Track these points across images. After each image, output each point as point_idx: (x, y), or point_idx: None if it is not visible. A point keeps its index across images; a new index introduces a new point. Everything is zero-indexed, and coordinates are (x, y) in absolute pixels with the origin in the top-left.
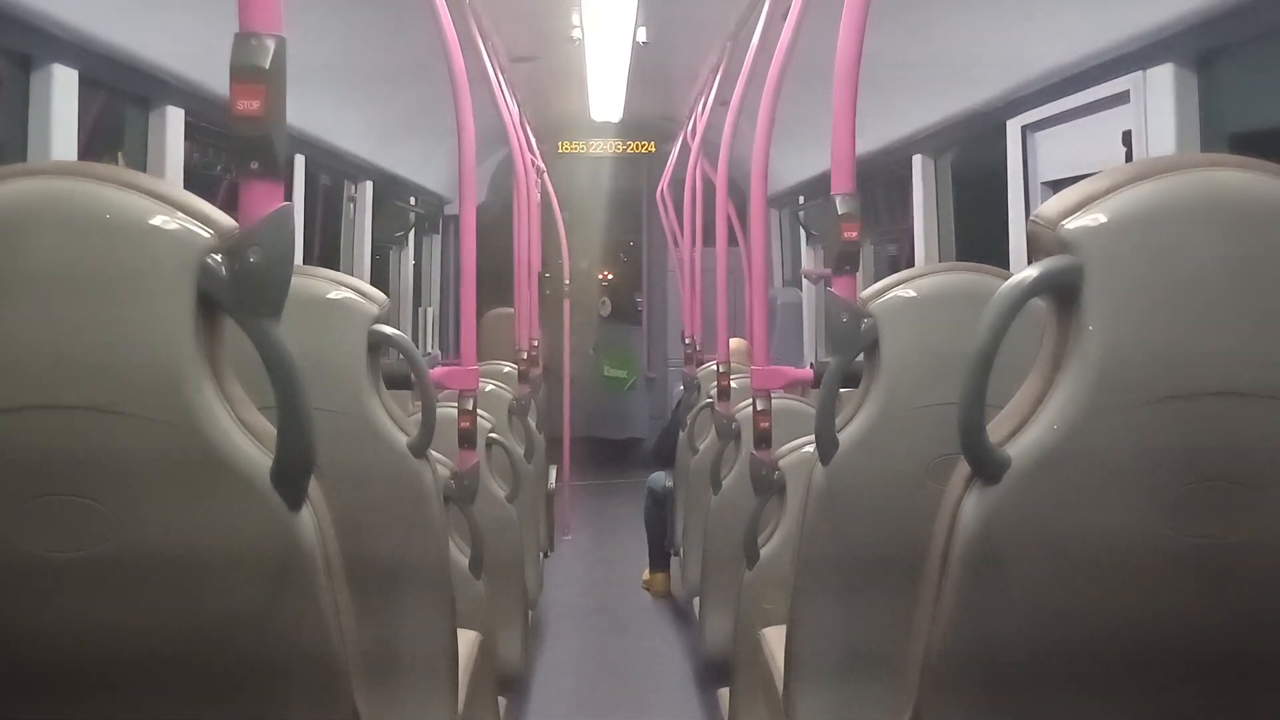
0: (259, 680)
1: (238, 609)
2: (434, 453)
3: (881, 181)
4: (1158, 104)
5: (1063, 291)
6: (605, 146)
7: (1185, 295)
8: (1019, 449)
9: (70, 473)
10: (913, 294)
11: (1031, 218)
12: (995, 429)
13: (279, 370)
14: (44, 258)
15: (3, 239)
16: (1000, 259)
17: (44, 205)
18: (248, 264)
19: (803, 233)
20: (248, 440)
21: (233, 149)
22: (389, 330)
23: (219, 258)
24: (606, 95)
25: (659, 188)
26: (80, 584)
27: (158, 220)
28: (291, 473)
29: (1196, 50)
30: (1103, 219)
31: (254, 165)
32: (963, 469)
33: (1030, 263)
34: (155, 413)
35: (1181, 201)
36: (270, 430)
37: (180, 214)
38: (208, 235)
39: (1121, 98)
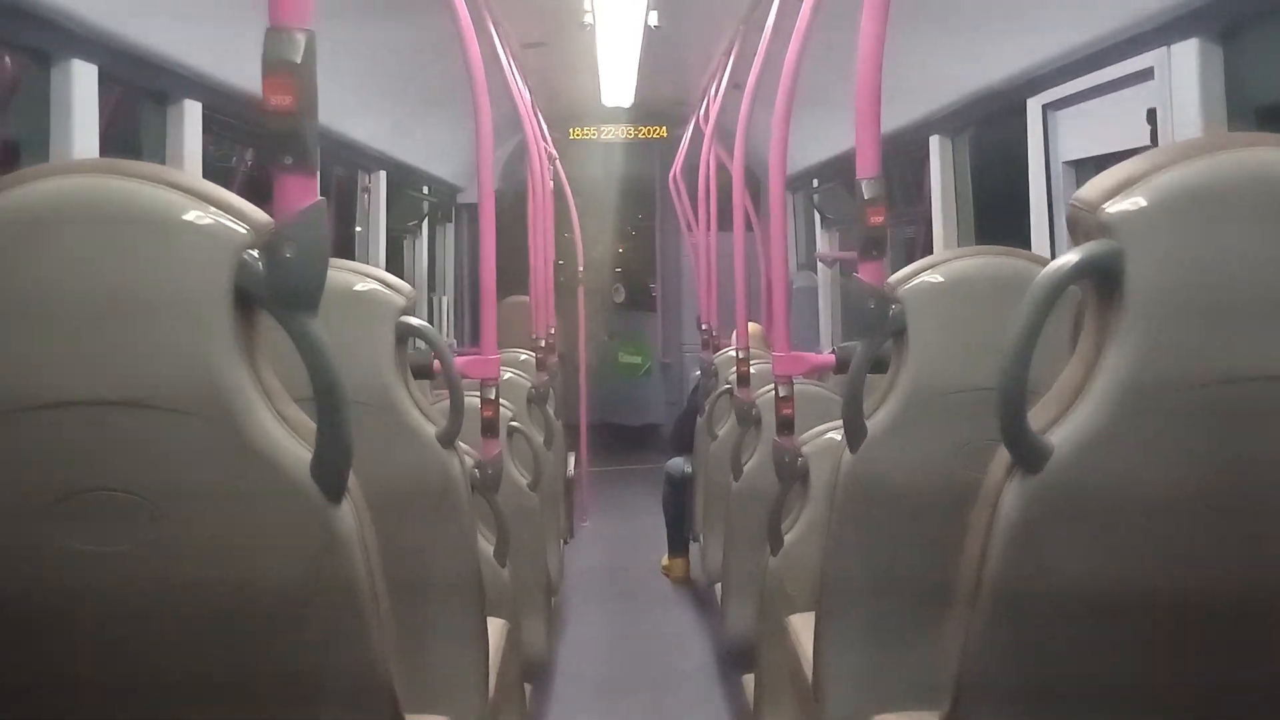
0: (299, 671)
1: (278, 600)
2: (460, 443)
3: (898, 163)
4: (1182, 80)
5: (1103, 277)
6: (617, 132)
7: (1229, 278)
8: (1061, 437)
9: (111, 468)
10: (940, 279)
11: (1071, 200)
12: (1035, 417)
13: (317, 364)
14: (81, 255)
15: (41, 237)
16: (1020, 241)
17: (81, 203)
18: (284, 259)
19: (817, 216)
20: (287, 434)
21: (265, 144)
22: (416, 321)
23: (255, 253)
24: (618, 80)
25: (672, 173)
26: (121, 578)
27: (193, 216)
28: (331, 465)
29: (1222, 24)
30: (1143, 202)
31: (287, 160)
32: (1002, 457)
33: (1060, 240)
34: (195, 407)
35: (1222, 183)
36: (309, 424)
37: (216, 210)
38: (244, 231)
39: (1145, 74)
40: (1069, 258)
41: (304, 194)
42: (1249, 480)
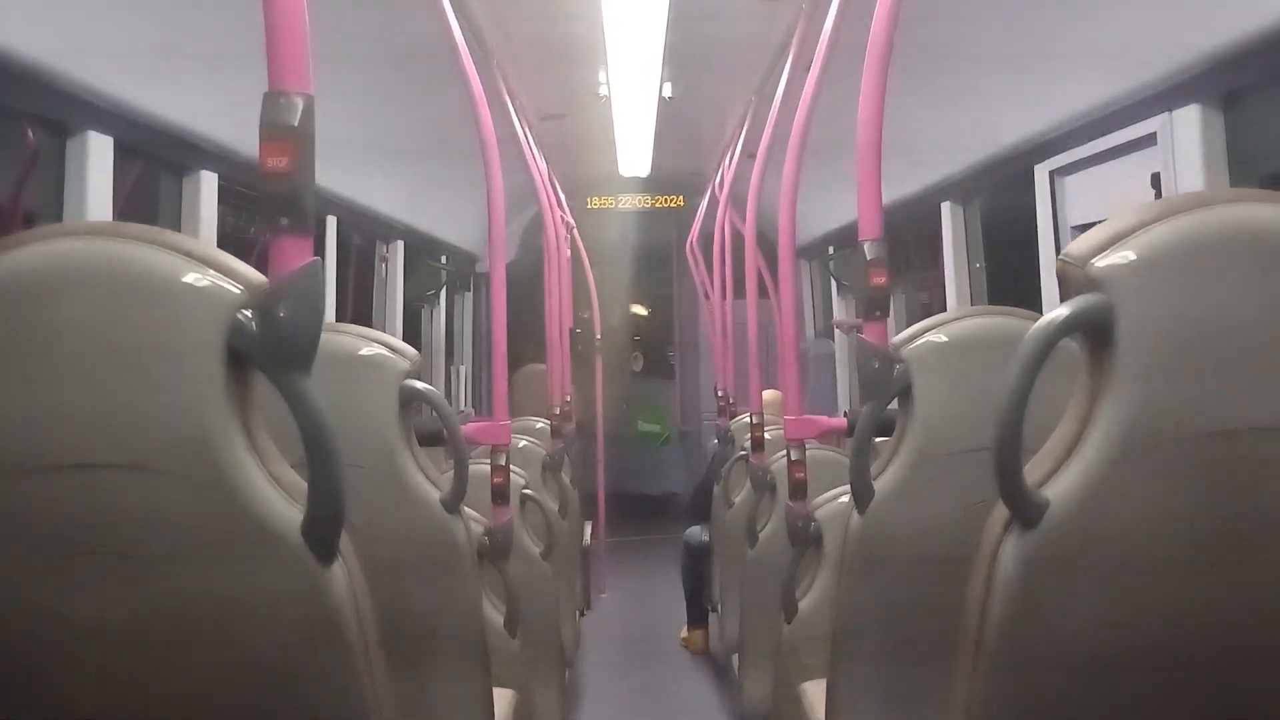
0: None
1: (269, 665)
2: (467, 509)
3: (911, 229)
4: (1185, 145)
5: (1095, 330)
6: (634, 201)
7: (1218, 331)
8: (1057, 491)
9: (104, 531)
10: (944, 339)
11: (1061, 256)
12: (1032, 471)
13: (310, 425)
14: (76, 318)
15: (36, 300)
16: (1032, 304)
17: (76, 266)
18: (277, 319)
19: (834, 283)
20: (279, 495)
21: (262, 206)
22: (420, 385)
23: (249, 313)
24: (634, 150)
25: (688, 241)
26: (112, 642)
27: (188, 278)
28: (323, 527)
29: (1223, 90)
30: (1132, 256)
31: (283, 221)
32: (1000, 512)
33: (1061, 302)
34: (187, 470)
35: (1210, 237)
36: (302, 485)
37: (211, 270)
38: (238, 291)
39: (1149, 139)
40: (1059, 312)
41: (299, 255)
42: (1245, 533)
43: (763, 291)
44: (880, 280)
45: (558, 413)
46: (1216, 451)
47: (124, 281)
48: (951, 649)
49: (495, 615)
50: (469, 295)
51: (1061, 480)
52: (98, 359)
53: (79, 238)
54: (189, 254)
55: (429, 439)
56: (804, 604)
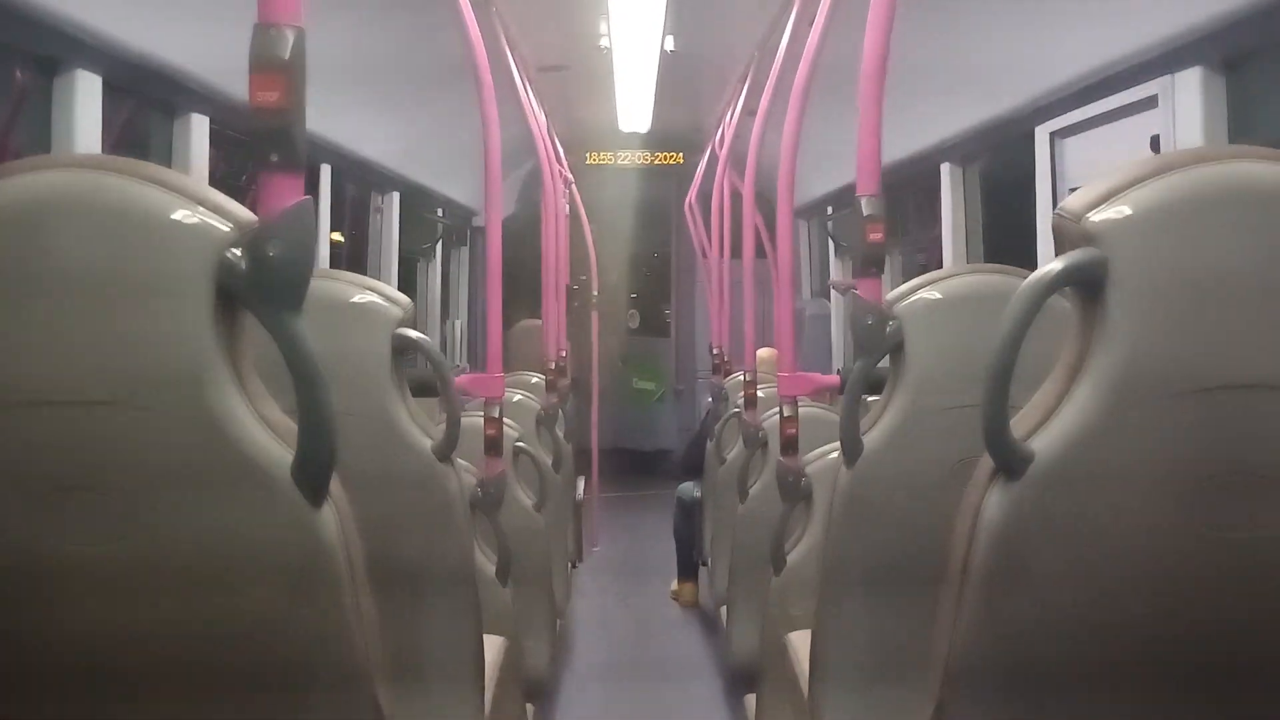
0: (280, 678)
1: (258, 605)
2: (460, 460)
3: (909, 190)
4: (1186, 108)
5: (1087, 285)
6: (633, 158)
7: (1211, 287)
8: (1042, 444)
9: (90, 467)
10: (938, 296)
11: (1056, 210)
12: (1019, 424)
13: (299, 365)
14: (63, 251)
15: (21, 232)
16: (1029, 267)
17: (64, 198)
18: (267, 258)
19: (831, 244)
20: (268, 436)
21: (252, 142)
22: (413, 334)
23: (238, 252)
24: (634, 105)
25: (687, 199)
26: (100, 579)
27: (178, 214)
28: (313, 468)
29: (1224, 53)
30: (1128, 211)
31: (274, 158)
32: (985, 465)
33: (1056, 256)
34: (174, 407)
35: (1207, 193)
36: (292, 427)
37: (200, 208)
38: (227, 229)
39: (1150, 102)
40: (1053, 266)
41: (290, 192)
42: (1232, 488)
43: (760, 251)
44: (877, 237)
45: (553, 368)
46: (1205, 407)
47: (111, 215)
48: (935, 601)
49: (487, 565)
50: (465, 250)
51: (1048, 433)
52: (84, 293)
53: (66, 170)
54: (178, 190)
55: (422, 389)
56: (792, 557)
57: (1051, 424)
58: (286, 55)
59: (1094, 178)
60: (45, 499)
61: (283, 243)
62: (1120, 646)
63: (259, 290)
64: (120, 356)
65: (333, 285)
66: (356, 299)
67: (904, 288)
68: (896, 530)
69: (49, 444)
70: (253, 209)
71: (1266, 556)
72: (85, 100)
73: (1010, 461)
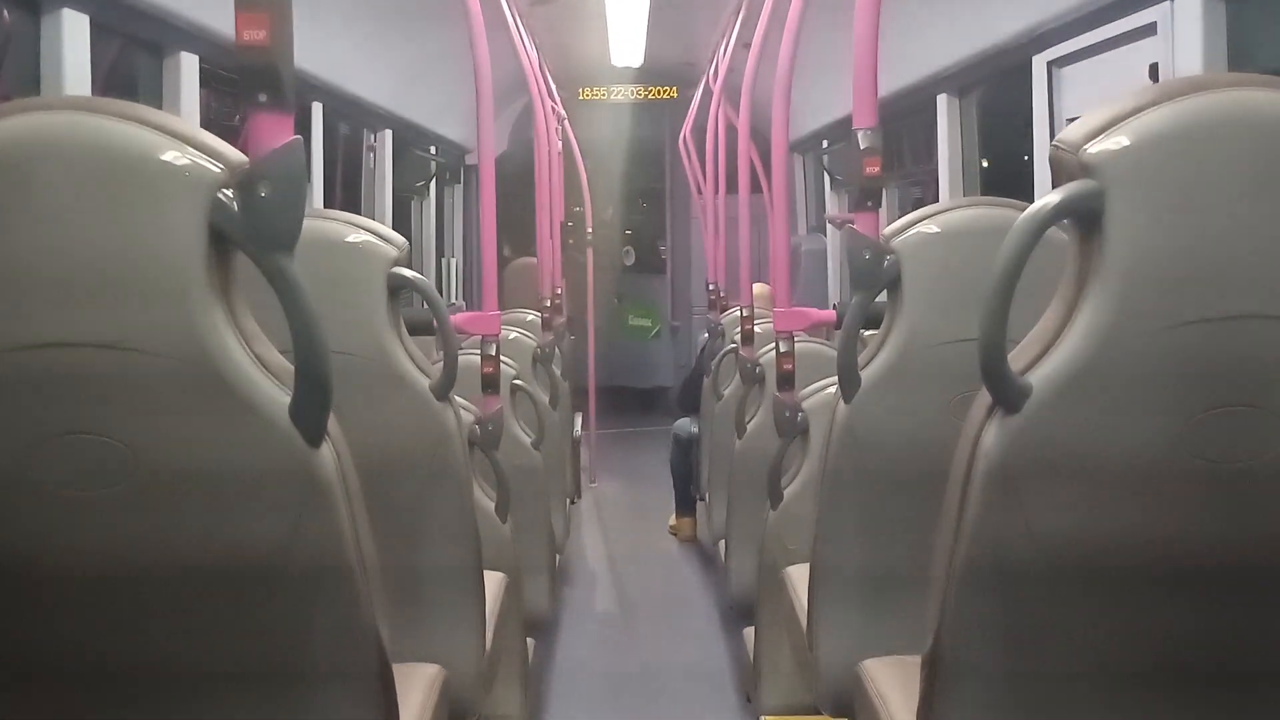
0: (282, 616)
1: (258, 545)
2: (458, 398)
3: (906, 123)
4: (1185, 35)
5: (1085, 217)
6: (626, 93)
7: (1210, 217)
8: (1040, 377)
9: (89, 410)
10: (936, 230)
11: (1054, 142)
12: (1016, 358)
13: (293, 305)
14: (54, 194)
15: (10, 175)
16: (1027, 200)
17: (54, 140)
18: (258, 198)
19: (827, 178)
20: (264, 376)
21: (240, 81)
22: (408, 273)
23: (230, 193)
24: (627, 39)
25: (681, 134)
26: (101, 521)
27: (168, 156)
28: (310, 409)
29: None
30: (1125, 142)
31: (262, 98)
32: (983, 398)
33: (1054, 188)
34: (171, 349)
35: (1206, 122)
36: (288, 368)
37: (190, 149)
38: (218, 170)
39: (1148, 29)
40: (1050, 199)
41: (280, 132)
42: (1228, 420)
43: (755, 186)
44: (874, 170)
45: (549, 305)
46: (1201, 339)
47: (102, 157)
48: (931, 534)
49: (486, 501)
50: (459, 188)
51: (1045, 366)
52: (75, 236)
53: (56, 111)
54: (169, 131)
55: (418, 328)
56: (789, 492)
57: (1049, 357)
58: None
59: (1092, 108)
60: (42, 442)
61: (274, 183)
62: (1117, 578)
63: (251, 231)
64: (114, 299)
65: (327, 225)
66: (351, 238)
67: (901, 222)
68: (893, 465)
69: (44, 387)
70: (244, 149)
71: (1265, 486)
72: (73, 40)
73: (1007, 395)
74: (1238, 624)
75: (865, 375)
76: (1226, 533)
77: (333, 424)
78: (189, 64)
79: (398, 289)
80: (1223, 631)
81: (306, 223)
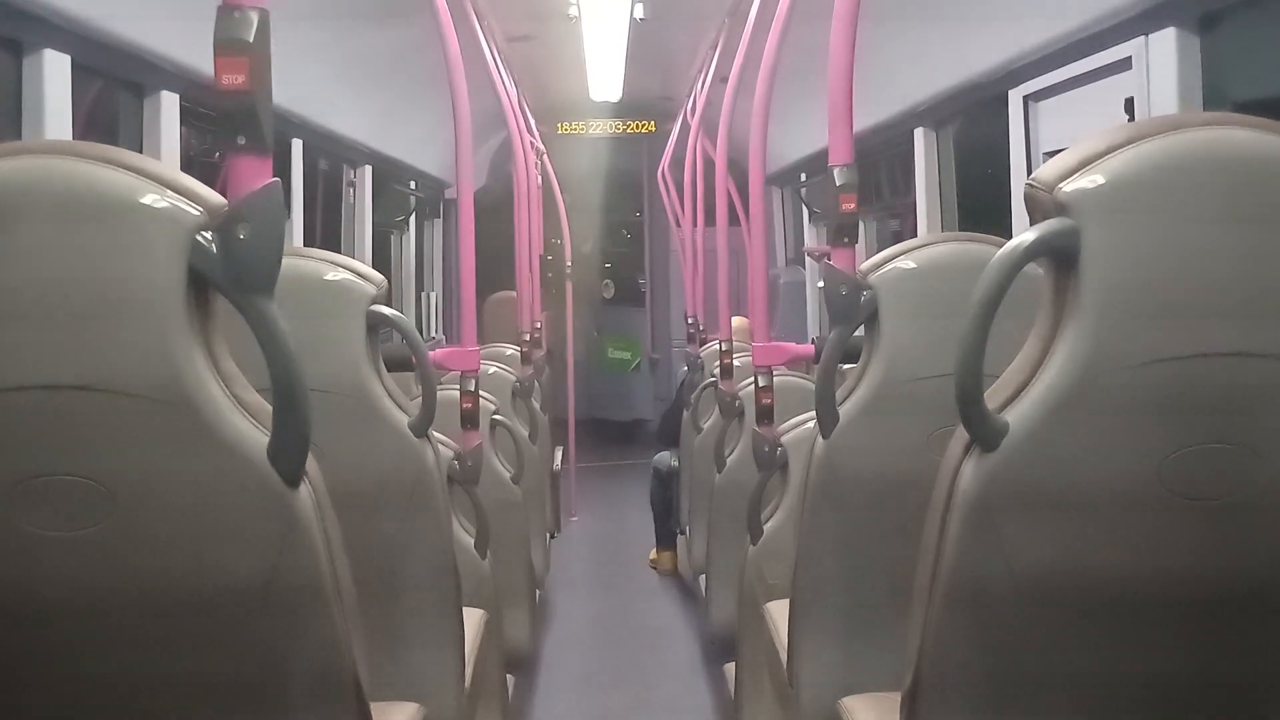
0: (259, 656)
1: (236, 585)
2: (437, 434)
3: (883, 156)
4: (1160, 69)
5: (1060, 255)
6: (605, 127)
7: (1184, 256)
8: (1016, 415)
9: (67, 453)
10: (912, 265)
11: (1029, 181)
12: (993, 396)
13: (273, 346)
14: (32, 238)
15: None
16: (1002, 231)
17: (32, 185)
18: (238, 240)
19: (805, 211)
20: (243, 418)
21: (219, 124)
22: (387, 311)
23: (209, 235)
24: (605, 74)
25: (660, 167)
26: (80, 564)
27: (147, 199)
28: (288, 450)
29: (1199, 13)
30: (1100, 180)
31: (241, 140)
32: (960, 436)
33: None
34: (150, 391)
35: (1182, 161)
36: (267, 408)
37: (169, 192)
38: (197, 212)
39: (1124, 64)
40: (1025, 237)
41: (258, 175)
42: (1204, 457)
43: (733, 219)
44: (850, 206)
45: (528, 339)
46: (1178, 376)
47: (82, 201)
48: (910, 570)
49: (466, 537)
50: (438, 222)
51: (1022, 405)
52: (56, 279)
53: (36, 156)
54: (148, 174)
55: (397, 365)
56: (769, 526)
57: (1025, 395)
58: (251, 38)
59: (1067, 143)
60: (21, 484)
61: (253, 225)
62: (1097, 613)
63: (231, 273)
64: (94, 341)
65: (305, 264)
66: (330, 276)
67: (878, 257)
68: (872, 500)
69: (25, 429)
70: (223, 188)
71: (1241, 522)
72: (54, 80)
73: (985, 433)
74: (1216, 656)
75: (843, 410)
76: (1203, 567)
77: (311, 464)
78: (169, 102)
79: (377, 326)
80: (1201, 663)
81: (286, 261)
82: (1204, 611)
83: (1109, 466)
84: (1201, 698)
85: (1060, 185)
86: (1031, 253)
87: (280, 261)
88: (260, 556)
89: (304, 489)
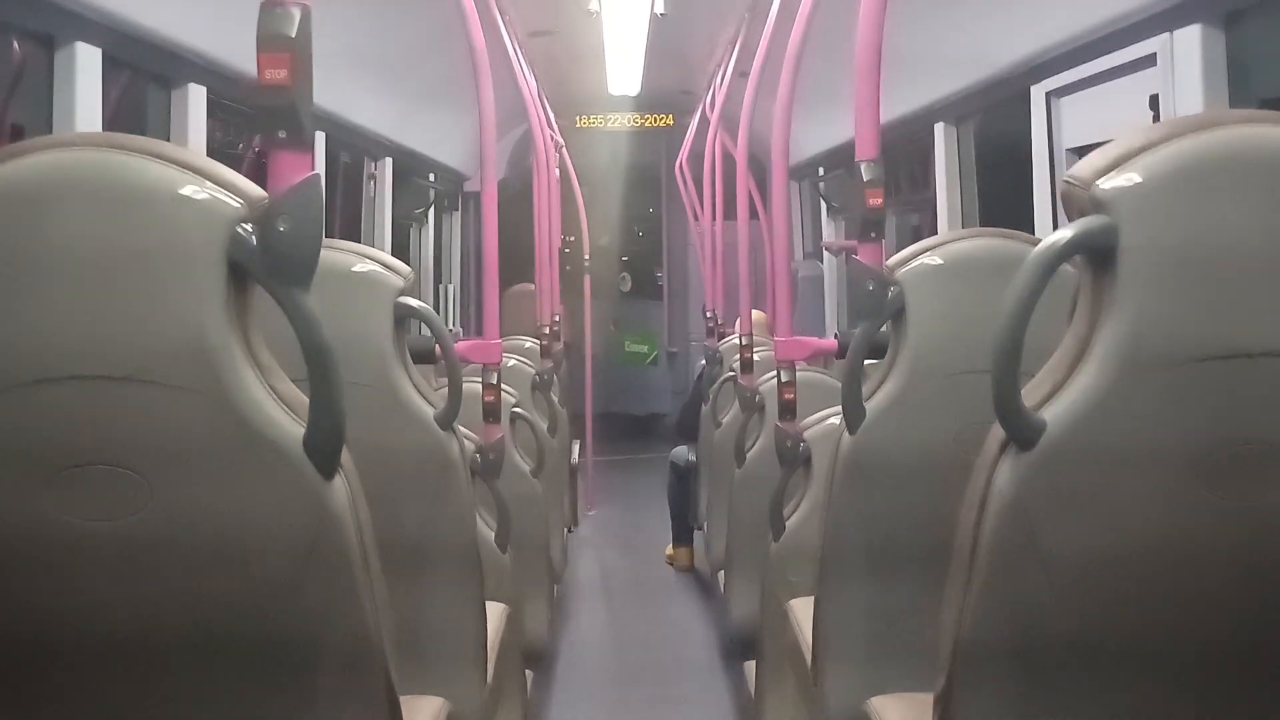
0: (293, 648)
1: (272, 577)
2: (460, 427)
3: (903, 151)
4: (1185, 66)
5: (1097, 253)
6: (623, 121)
7: (1223, 253)
8: (1054, 414)
9: (104, 443)
10: (939, 261)
11: (1065, 177)
12: (1029, 394)
13: (310, 339)
14: (74, 230)
15: (33, 211)
16: (1024, 228)
17: (72, 177)
18: (277, 233)
19: (823, 205)
20: (280, 409)
21: (260, 119)
22: (414, 303)
23: (249, 227)
24: (624, 68)
25: (678, 161)
26: (116, 553)
27: (187, 190)
28: (324, 441)
29: (1224, 9)
30: (1137, 178)
31: (281, 135)
32: (996, 435)
33: (1062, 225)
34: (187, 382)
35: (1217, 158)
36: (302, 400)
37: (209, 184)
38: (237, 205)
39: (1148, 60)
40: (1063, 234)
41: (298, 168)
42: (1243, 458)
43: (752, 213)
44: (877, 201)
45: (547, 332)
46: (1216, 376)
47: (122, 193)
48: (939, 568)
49: (486, 531)
50: (457, 215)
51: (1059, 402)
52: (96, 270)
53: (76, 149)
54: (188, 166)
55: (420, 357)
56: (791, 523)
57: (1062, 394)
58: (293, 33)
59: (1090, 140)
60: (60, 474)
61: (292, 218)
62: (1133, 618)
63: (270, 265)
64: (134, 332)
65: (334, 255)
66: (358, 268)
67: (905, 253)
68: (899, 497)
69: (64, 420)
70: (249, 178)
71: (1278, 522)
72: (86, 74)
73: (1022, 432)
74: (1253, 656)
75: (870, 406)
76: (1241, 567)
77: (345, 456)
78: (197, 95)
79: (403, 318)
80: (1237, 663)
81: None
82: (1239, 608)
83: (1145, 464)
84: (1238, 694)
85: (1097, 182)
86: (1069, 250)
87: (318, 254)
88: (293, 546)
89: (338, 480)
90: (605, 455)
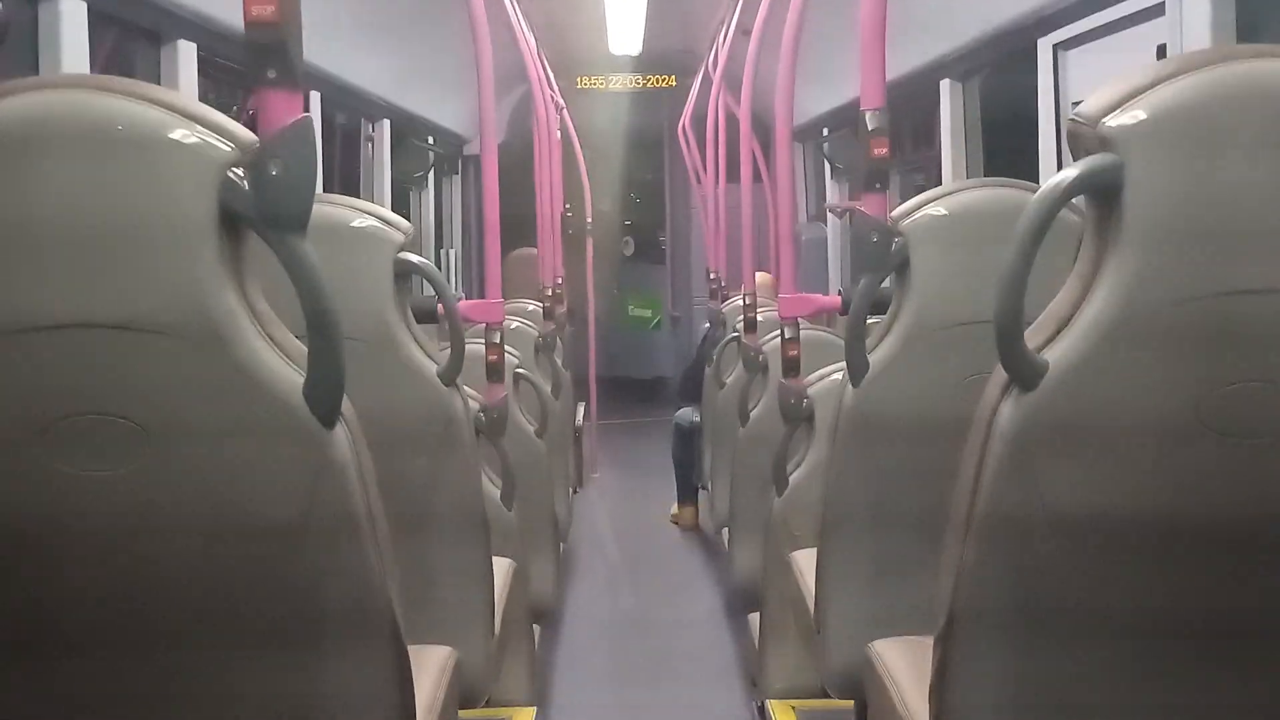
0: (299, 597)
1: (274, 526)
2: (464, 385)
3: (907, 109)
4: (1194, 15)
5: (1103, 191)
6: (625, 81)
7: (1229, 191)
8: (1056, 354)
9: (101, 391)
10: (944, 211)
11: (1071, 115)
12: (1032, 335)
13: (306, 285)
14: (61, 173)
15: (20, 153)
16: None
17: (62, 118)
18: (269, 177)
19: (827, 166)
20: (278, 357)
21: (248, 59)
22: (414, 258)
23: (240, 171)
24: (625, 27)
25: (680, 123)
26: (114, 503)
27: (177, 134)
28: (324, 389)
29: None
30: (1144, 115)
31: (270, 74)
32: (998, 377)
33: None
34: (183, 330)
35: (1226, 94)
36: (301, 349)
37: (199, 127)
38: (228, 149)
39: (1156, 10)
40: (1068, 172)
41: (289, 110)
42: (1246, 397)
43: (755, 174)
44: (881, 151)
45: (550, 295)
46: (1220, 314)
47: (110, 135)
48: (941, 517)
49: (492, 489)
50: (457, 178)
51: (1062, 343)
52: (86, 215)
53: (63, 90)
54: (177, 109)
55: (421, 316)
56: (794, 478)
57: (1065, 335)
58: None
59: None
60: (55, 424)
61: (285, 162)
62: (1133, 552)
63: (263, 210)
64: (125, 279)
65: (332, 209)
66: (357, 223)
67: (909, 204)
68: (902, 448)
69: (55, 368)
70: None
71: (1277, 460)
72: (71, 29)
73: (1024, 373)
74: (1250, 591)
75: (874, 359)
76: (1239, 504)
77: (346, 405)
78: (187, 52)
79: (403, 274)
80: (1236, 598)
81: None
82: (1239, 547)
83: (1147, 404)
84: (1235, 631)
85: (1104, 120)
86: (1075, 188)
87: (312, 199)
88: (296, 496)
89: (340, 429)
90: (609, 419)
